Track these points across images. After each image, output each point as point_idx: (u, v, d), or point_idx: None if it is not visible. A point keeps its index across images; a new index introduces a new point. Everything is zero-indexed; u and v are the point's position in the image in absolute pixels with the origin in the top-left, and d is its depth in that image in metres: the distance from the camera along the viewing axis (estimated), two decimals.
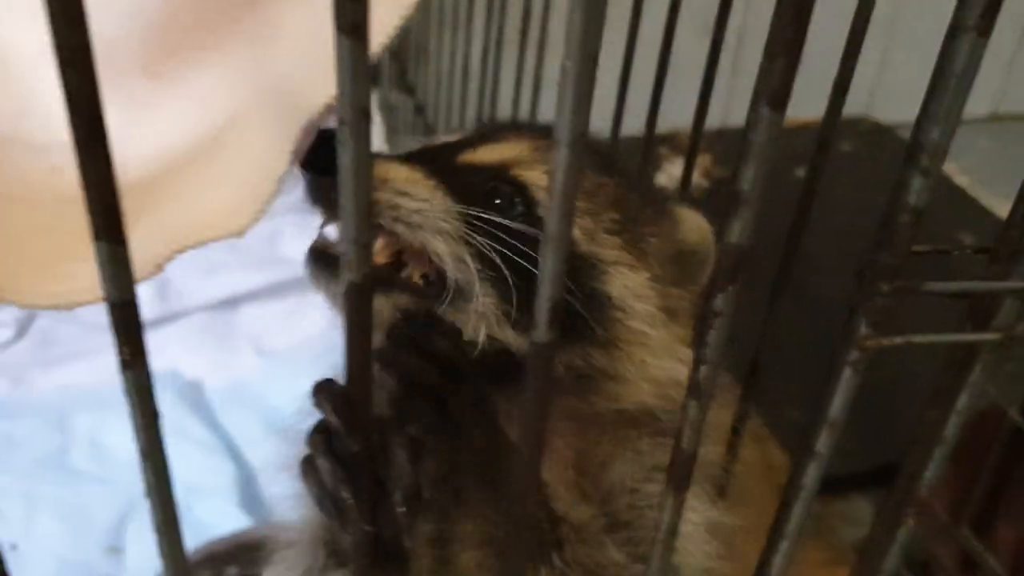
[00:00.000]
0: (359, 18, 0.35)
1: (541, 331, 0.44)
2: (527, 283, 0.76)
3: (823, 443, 0.52)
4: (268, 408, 1.76)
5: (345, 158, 0.38)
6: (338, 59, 0.36)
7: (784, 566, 0.58)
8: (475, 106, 1.84)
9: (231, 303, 1.99)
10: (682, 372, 0.81)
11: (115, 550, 1.54)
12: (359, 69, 0.36)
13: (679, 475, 0.51)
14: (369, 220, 0.40)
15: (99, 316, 1.59)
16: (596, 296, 0.80)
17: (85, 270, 0.60)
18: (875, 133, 2.72)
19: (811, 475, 0.54)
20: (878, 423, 1.32)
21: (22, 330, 1.93)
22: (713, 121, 2.91)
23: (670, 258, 0.85)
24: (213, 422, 1.74)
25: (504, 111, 1.71)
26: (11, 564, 1.51)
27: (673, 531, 0.53)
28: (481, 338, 0.77)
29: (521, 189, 0.82)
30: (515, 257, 0.76)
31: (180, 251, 0.55)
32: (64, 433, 1.73)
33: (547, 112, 1.51)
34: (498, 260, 0.76)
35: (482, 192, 0.81)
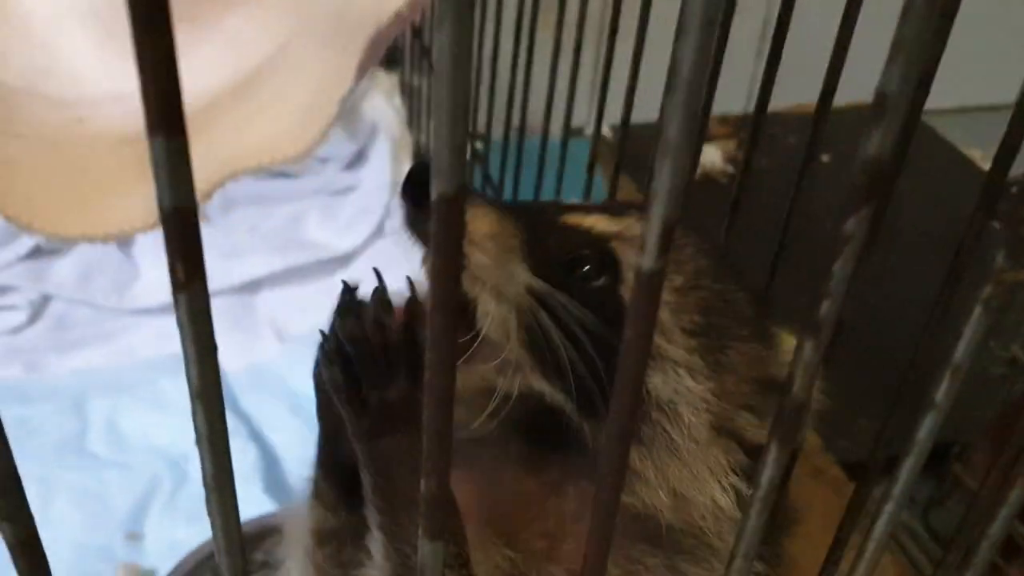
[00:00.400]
0: None
1: (649, 256, 0.39)
2: (576, 365, 0.74)
3: (944, 392, 0.47)
4: (290, 393, 1.72)
5: (442, 42, 0.33)
6: None
7: (887, 534, 0.52)
8: (505, 88, 1.76)
9: (252, 287, 1.94)
10: (713, 499, 0.76)
11: (134, 536, 1.50)
12: None
13: (787, 426, 0.46)
14: (466, 119, 0.34)
15: (114, 300, 1.56)
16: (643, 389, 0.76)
17: (115, 205, 0.57)
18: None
19: (927, 427, 0.48)
20: (913, 409, 1.27)
21: (36, 314, 1.89)
22: (737, 107, 2.83)
23: (756, 382, 0.79)
24: (235, 406, 1.69)
25: (539, 93, 1.63)
26: None
27: (776, 487, 0.48)
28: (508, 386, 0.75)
29: (612, 262, 0.79)
30: (569, 341, 0.73)
31: (232, 175, 0.51)
32: (80, 418, 1.69)
33: (583, 98, 1.45)
34: (553, 340, 0.73)
35: (570, 257, 0.78)
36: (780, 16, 0.95)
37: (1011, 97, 0.68)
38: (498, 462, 0.80)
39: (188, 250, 0.35)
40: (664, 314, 0.77)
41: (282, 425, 1.65)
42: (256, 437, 1.62)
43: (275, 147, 0.49)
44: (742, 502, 0.77)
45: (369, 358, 0.69)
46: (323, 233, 2.03)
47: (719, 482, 0.76)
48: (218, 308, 1.70)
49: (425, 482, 0.44)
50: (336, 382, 0.70)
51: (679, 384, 0.76)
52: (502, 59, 1.76)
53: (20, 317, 1.87)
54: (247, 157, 0.53)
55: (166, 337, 1.79)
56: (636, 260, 0.79)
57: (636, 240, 0.81)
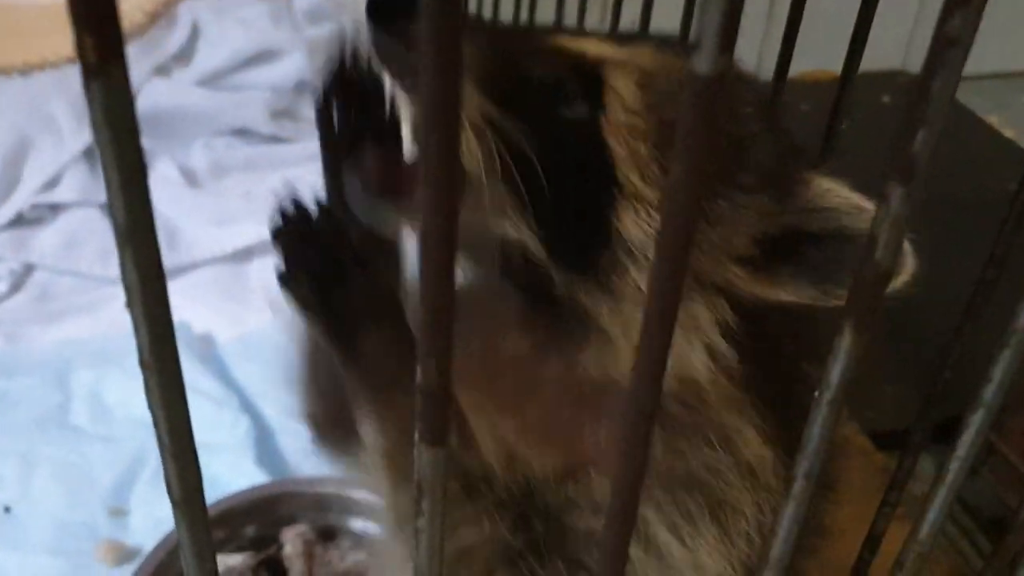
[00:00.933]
0: None
1: (707, 55, 0.30)
2: (551, 193, 0.67)
3: None
4: (282, 363, 1.63)
5: None
6: None
7: (981, 439, 0.44)
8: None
9: (243, 255, 1.85)
10: (680, 359, 0.67)
11: (119, 511, 1.41)
12: None
13: (865, 302, 0.37)
14: None
15: (99, 268, 1.47)
16: (607, 229, 0.68)
17: (42, 44, 0.49)
18: (912, 85, 2.62)
19: None
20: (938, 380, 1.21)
21: (18, 283, 1.80)
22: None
23: (754, 237, 0.70)
24: (225, 376, 1.60)
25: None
26: (4, 527, 1.38)
27: (848, 387, 0.39)
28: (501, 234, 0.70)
29: (597, 87, 0.71)
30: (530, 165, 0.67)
31: None
32: (63, 390, 1.60)
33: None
34: (508, 171, 0.67)
35: (552, 79, 0.71)
36: None
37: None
38: (495, 319, 0.74)
39: (101, 19, 0.26)
40: (643, 147, 0.69)
41: (274, 395, 1.56)
42: (248, 408, 1.54)
43: None
44: (720, 363, 0.69)
45: (312, 263, 0.69)
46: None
47: (691, 341, 0.68)
48: (209, 277, 1.62)
49: (422, 369, 0.36)
50: (301, 300, 0.70)
51: (651, 227, 0.67)
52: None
53: (1, 287, 1.78)
54: None
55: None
56: (624, 84, 0.71)
57: (632, 66, 0.71)
